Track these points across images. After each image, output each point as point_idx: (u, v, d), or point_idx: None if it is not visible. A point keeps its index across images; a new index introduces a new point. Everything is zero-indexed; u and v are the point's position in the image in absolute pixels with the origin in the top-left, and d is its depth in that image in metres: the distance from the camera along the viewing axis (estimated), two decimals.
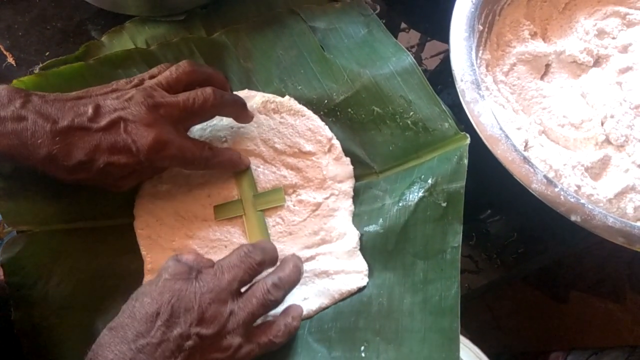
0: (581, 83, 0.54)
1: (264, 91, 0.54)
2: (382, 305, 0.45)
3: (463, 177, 0.46)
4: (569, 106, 0.52)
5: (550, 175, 0.47)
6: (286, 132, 0.51)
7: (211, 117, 0.48)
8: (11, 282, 0.44)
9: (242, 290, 0.41)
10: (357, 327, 0.45)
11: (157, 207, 0.49)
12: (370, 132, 0.52)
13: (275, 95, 0.53)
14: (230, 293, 0.39)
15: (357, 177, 0.51)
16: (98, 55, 0.53)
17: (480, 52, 0.54)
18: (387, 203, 0.49)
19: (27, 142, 0.40)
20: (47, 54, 0.58)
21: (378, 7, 0.63)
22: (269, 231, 0.49)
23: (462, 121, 0.49)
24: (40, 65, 0.52)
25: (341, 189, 0.50)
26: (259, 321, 0.41)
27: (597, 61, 0.55)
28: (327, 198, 0.50)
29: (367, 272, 0.47)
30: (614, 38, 0.56)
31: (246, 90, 0.54)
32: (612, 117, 0.50)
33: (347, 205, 0.50)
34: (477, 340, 0.55)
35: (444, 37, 0.51)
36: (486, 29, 0.54)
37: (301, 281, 0.46)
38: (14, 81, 0.49)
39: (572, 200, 0.42)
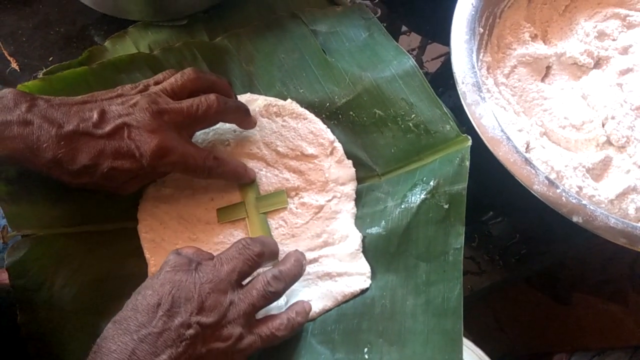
0: (582, 85, 0.54)
1: (266, 94, 0.54)
2: (385, 307, 0.45)
3: (465, 179, 0.46)
4: (569, 108, 0.52)
5: (552, 176, 0.47)
6: (288, 135, 0.52)
7: (215, 123, 0.49)
8: (16, 285, 0.44)
9: (244, 283, 0.41)
10: (360, 329, 0.45)
11: (160, 210, 0.49)
12: (372, 135, 0.52)
13: (277, 99, 0.53)
14: (230, 284, 0.39)
15: (360, 179, 0.52)
16: (101, 60, 0.53)
17: (481, 54, 0.54)
18: (390, 205, 0.49)
19: (33, 146, 0.40)
20: (50, 59, 0.59)
21: (379, 10, 0.64)
22: (272, 233, 0.49)
23: (464, 123, 0.49)
24: (44, 70, 0.53)
25: (343, 191, 0.50)
26: (261, 314, 0.42)
27: (598, 63, 0.56)
28: (329, 200, 0.50)
29: (369, 274, 0.47)
30: (614, 40, 0.56)
31: (248, 94, 0.54)
32: (613, 118, 0.51)
33: (350, 207, 0.50)
34: (480, 343, 0.55)
35: (445, 40, 0.51)
36: (487, 32, 0.54)
37: (304, 283, 0.46)
38: (18, 86, 0.49)
39: (573, 201, 0.43)
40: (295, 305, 0.44)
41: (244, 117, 0.49)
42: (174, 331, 0.36)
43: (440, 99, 0.51)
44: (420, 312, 0.44)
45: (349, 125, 0.53)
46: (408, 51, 0.54)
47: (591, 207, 0.43)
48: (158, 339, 0.35)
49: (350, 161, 0.52)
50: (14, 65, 0.58)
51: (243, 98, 0.53)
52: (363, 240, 0.49)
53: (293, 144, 0.51)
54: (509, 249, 0.54)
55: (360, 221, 0.50)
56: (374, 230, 0.49)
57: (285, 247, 0.48)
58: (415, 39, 0.67)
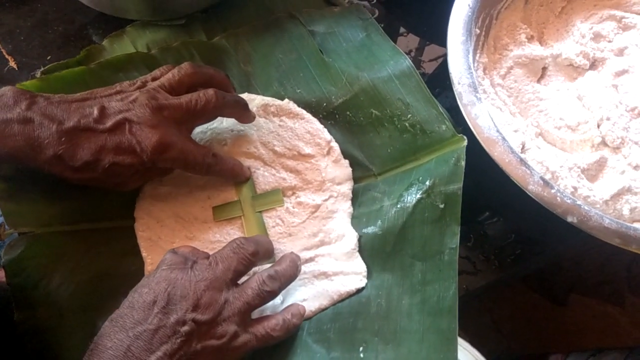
0: (577, 86, 0.54)
1: (263, 94, 0.54)
2: (381, 306, 0.45)
3: (460, 179, 0.46)
4: (565, 109, 0.53)
5: (547, 177, 0.48)
6: (285, 134, 0.52)
7: (214, 117, 0.49)
8: (13, 283, 0.44)
9: (239, 282, 0.41)
10: (355, 327, 0.45)
11: (157, 209, 0.49)
12: (369, 135, 0.52)
13: (274, 99, 0.54)
14: (225, 282, 0.39)
15: (356, 179, 0.52)
16: (99, 59, 0.54)
17: (478, 55, 0.54)
18: (386, 205, 0.49)
19: (34, 144, 0.40)
20: (48, 57, 0.59)
21: (376, 11, 0.64)
22: (269, 232, 0.49)
23: (460, 124, 0.49)
24: (42, 69, 0.53)
25: (340, 191, 0.51)
26: (256, 314, 0.42)
27: (593, 64, 0.56)
28: (326, 200, 0.50)
29: (365, 274, 0.47)
30: (610, 41, 0.56)
31: (246, 94, 0.54)
32: (608, 119, 0.51)
33: (346, 207, 0.50)
34: (476, 343, 0.55)
35: (442, 41, 0.51)
36: (483, 33, 0.55)
37: (300, 282, 0.47)
38: (17, 85, 0.49)
39: (568, 201, 0.43)
40: (290, 307, 0.44)
41: (243, 111, 0.49)
42: (169, 328, 0.36)
43: (436, 100, 0.51)
44: (415, 311, 0.44)
45: (346, 125, 0.53)
46: (406, 52, 0.54)
47: (586, 208, 0.43)
48: (154, 336, 0.35)
49: (347, 161, 0.52)
50: (12, 63, 0.58)
51: None
52: (359, 240, 0.49)
53: (290, 143, 0.51)
54: (504, 249, 0.54)
55: (356, 220, 0.50)
56: (370, 229, 0.49)
57: (281, 246, 0.48)
58: (413, 40, 0.67)
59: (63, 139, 0.41)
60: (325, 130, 0.52)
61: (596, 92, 0.53)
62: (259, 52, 0.56)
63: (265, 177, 0.51)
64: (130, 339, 0.35)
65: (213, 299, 0.38)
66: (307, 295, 0.47)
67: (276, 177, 0.51)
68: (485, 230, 0.55)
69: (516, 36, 0.56)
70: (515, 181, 0.44)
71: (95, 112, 0.42)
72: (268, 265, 0.45)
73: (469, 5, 0.52)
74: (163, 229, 0.48)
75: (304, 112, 0.53)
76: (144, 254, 0.48)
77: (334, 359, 0.44)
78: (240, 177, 0.50)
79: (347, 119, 0.53)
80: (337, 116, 0.53)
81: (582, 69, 0.56)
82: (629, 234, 0.42)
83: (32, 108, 0.41)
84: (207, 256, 0.41)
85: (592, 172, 0.50)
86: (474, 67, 0.50)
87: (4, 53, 0.59)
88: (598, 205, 0.47)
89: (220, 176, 0.49)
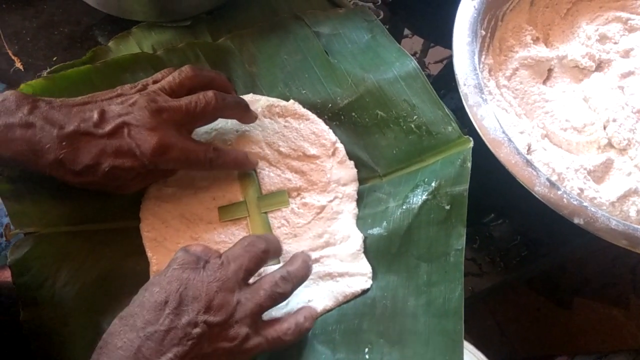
0: (583, 87, 0.54)
1: (268, 95, 0.54)
2: (386, 308, 0.45)
3: (466, 180, 0.46)
4: (571, 110, 0.53)
5: (553, 178, 0.47)
6: (290, 135, 0.52)
7: (214, 119, 0.49)
8: (19, 283, 0.44)
9: (250, 282, 0.41)
10: (361, 329, 0.45)
11: (162, 209, 0.49)
12: (374, 136, 0.52)
13: (279, 100, 0.54)
14: (237, 282, 0.39)
15: (361, 180, 0.52)
16: (105, 59, 0.54)
17: (483, 56, 0.54)
18: (391, 206, 0.49)
19: (36, 148, 0.41)
20: (54, 59, 0.59)
21: (381, 13, 0.64)
22: (274, 233, 0.49)
23: (465, 125, 0.49)
24: (48, 70, 0.53)
25: (345, 192, 0.51)
26: (267, 317, 0.42)
27: (599, 66, 0.56)
28: (331, 201, 0.50)
29: (371, 275, 0.47)
30: (615, 43, 0.56)
31: (251, 95, 0.54)
32: (614, 121, 0.51)
33: (351, 208, 0.50)
34: (481, 346, 0.55)
35: (447, 43, 0.51)
36: (489, 34, 0.55)
37: (305, 283, 0.46)
38: (22, 85, 0.50)
39: (575, 203, 0.43)
40: (302, 310, 0.43)
41: (244, 112, 0.49)
42: (180, 330, 0.36)
43: (442, 101, 0.51)
44: (421, 313, 0.44)
45: (351, 126, 0.53)
46: (410, 54, 0.54)
47: (592, 209, 0.43)
48: (164, 337, 0.35)
49: (352, 162, 0.52)
50: (18, 64, 0.59)
51: (245, 99, 0.54)
52: (364, 241, 0.49)
53: (295, 144, 0.51)
54: (510, 250, 0.54)
55: (361, 222, 0.50)
56: (376, 230, 0.49)
57: (287, 247, 0.48)
58: (417, 42, 0.67)
59: (64, 143, 0.41)
60: (331, 131, 0.52)
61: (602, 94, 0.53)
62: (264, 53, 0.56)
63: (270, 177, 0.51)
64: (141, 340, 0.35)
65: (225, 300, 0.38)
66: (312, 297, 0.46)
67: (281, 177, 0.51)
68: (491, 232, 0.55)
69: (522, 38, 0.56)
70: (521, 182, 0.44)
71: (95, 116, 0.42)
72: (273, 266, 0.45)
73: (474, 6, 0.52)
74: (168, 229, 0.48)
75: (309, 113, 0.53)
76: (149, 255, 0.48)
77: None
78: (245, 167, 0.50)
79: (352, 120, 0.53)
80: (342, 117, 0.53)
81: (587, 71, 0.55)
82: (636, 235, 0.42)
83: (34, 112, 0.41)
84: (219, 255, 0.41)
85: (599, 173, 0.50)
86: (479, 68, 0.50)
87: (10, 54, 0.59)
88: (604, 207, 0.47)
89: (225, 168, 0.49)
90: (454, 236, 0.45)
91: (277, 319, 0.42)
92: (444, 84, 0.60)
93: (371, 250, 0.49)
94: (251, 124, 0.52)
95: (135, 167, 0.43)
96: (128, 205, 0.49)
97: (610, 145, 0.51)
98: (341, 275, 0.47)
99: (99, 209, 0.48)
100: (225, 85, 0.49)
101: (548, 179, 0.44)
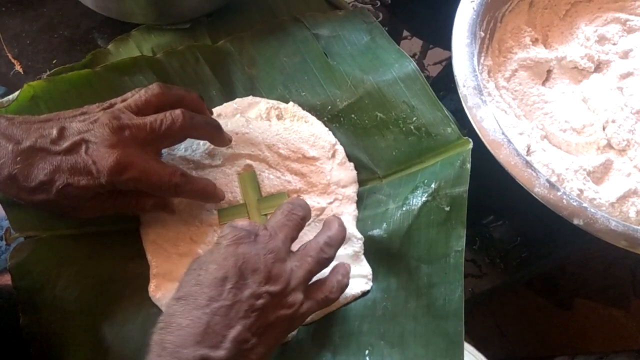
0: (582, 88, 0.54)
1: (268, 97, 0.54)
2: (386, 309, 0.45)
3: (466, 182, 0.46)
4: (570, 111, 0.53)
5: (553, 179, 0.47)
6: (290, 137, 0.52)
7: (182, 139, 0.47)
8: (19, 286, 0.44)
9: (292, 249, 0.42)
10: (361, 331, 0.45)
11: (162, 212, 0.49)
12: (374, 138, 0.52)
13: (279, 102, 0.54)
14: (286, 251, 0.40)
15: (361, 182, 0.52)
16: (104, 63, 0.54)
17: (482, 58, 0.54)
18: (391, 207, 0.49)
19: None
20: (54, 61, 0.59)
21: (380, 14, 0.64)
22: None
23: (465, 126, 0.49)
24: (48, 72, 0.53)
25: (345, 193, 0.51)
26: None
27: (598, 67, 0.56)
28: (331, 203, 0.50)
29: (371, 277, 0.47)
30: (614, 44, 0.56)
31: (250, 97, 0.54)
32: (613, 122, 0.51)
33: (351, 210, 0.50)
34: (481, 347, 0.55)
35: (446, 44, 0.51)
36: (488, 36, 0.55)
37: None
38: (25, 85, 0.50)
39: (574, 204, 0.43)
40: (337, 267, 0.44)
41: (214, 133, 0.47)
42: (245, 302, 0.37)
43: (441, 102, 0.51)
44: (421, 315, 0.44)
45: (351, 128, 0.53)
46: (410, 56, 0.54)
47: (592, 210, 0.43)
48: (230, 311, 0.36)
49: (352, 164, 0.52)
50: (18, 67, 0.59)
51: (245, 101, 0.54)
52: (364, 243, 0.49)
53: (295, 146, 0.51)
54: (510, 252, 0.54)
55: (361, 223, 0.50)
56: (375, 232, 0.49)
57: None
58: (416, 43, 0.67)
59: (18, 158, 0.40)
60: (330, 133, 0.52)
61: (601, 95, 0.53)
62: (263, 55, 0.56)
63: (270, 179, 0.51)
64: (208, 316, 0.35)
65: (281, 269, 0.39)
66: None
67: (281, 179, 0.51)
68: (491, 233, 0.55)
69: (521, 39, 0.56)
70: (521, 184, 0.44)
71: (54, 132, 0.41)
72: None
73: (473, 8, 0.52)
74: (168, 232, 0.48)
75: (308, 115, 0.53)
76: (149, 257, 0.48)
77: None
78: (213, 199, 0.48)
79: (352, 121, 0.53)
80: (342, 119, 0.53)
81: (587, 72, 0.56)
82: (636, 236, 0.42)
83: None
84: (265, 227, 0.41)
85: (598, 174, 0.50)
86: (478, 69, 0.50)
87: (10, 57, 0.59)
88: (604, 208, 0.47)
89: (191, 197, 0.47)
90: (454, 237, 0.45)
91: (320, 281, 0.43)
92: (443, 85, 0.60)
93: (371, 251, 0.49)
94: (250, 127, 0.52)
95: (91, 186, 0.41)
96: None
97: (609, 146, 0.51)
98: None
99: None
100: (196, 104, 0.47)
101: (547, 180, 0.44)
